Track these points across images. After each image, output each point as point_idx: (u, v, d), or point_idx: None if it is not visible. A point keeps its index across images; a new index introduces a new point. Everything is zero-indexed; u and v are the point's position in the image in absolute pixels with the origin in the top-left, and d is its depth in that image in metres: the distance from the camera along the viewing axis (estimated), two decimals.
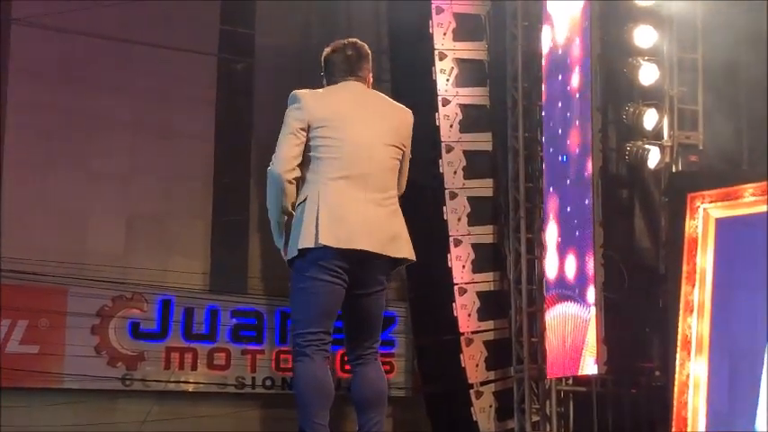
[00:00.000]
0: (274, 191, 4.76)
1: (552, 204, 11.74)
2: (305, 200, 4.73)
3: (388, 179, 4.88)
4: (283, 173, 4.74)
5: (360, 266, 4.74)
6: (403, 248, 4.86)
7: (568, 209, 11.40)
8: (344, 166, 4.76)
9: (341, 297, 4.77)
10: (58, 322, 14.50)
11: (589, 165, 10.90)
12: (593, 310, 10.65)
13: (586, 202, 10.96)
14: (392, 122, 4.95)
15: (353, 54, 5.03)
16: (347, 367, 4.86)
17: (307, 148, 4.78)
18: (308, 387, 4.71)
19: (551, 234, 11.69)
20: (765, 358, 9.81)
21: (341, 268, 4.70)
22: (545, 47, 12.16)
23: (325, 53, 5.09)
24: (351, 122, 4.83)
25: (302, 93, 4.88)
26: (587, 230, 10.87)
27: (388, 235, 4.81)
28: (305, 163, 4.78)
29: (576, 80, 11.33)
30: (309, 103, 4.81)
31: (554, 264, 11.56)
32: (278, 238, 4.90)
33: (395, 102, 5.10)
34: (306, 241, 4.67)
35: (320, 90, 4.97)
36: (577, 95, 11.28)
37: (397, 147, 4.92)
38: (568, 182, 11.39)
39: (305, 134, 4.77)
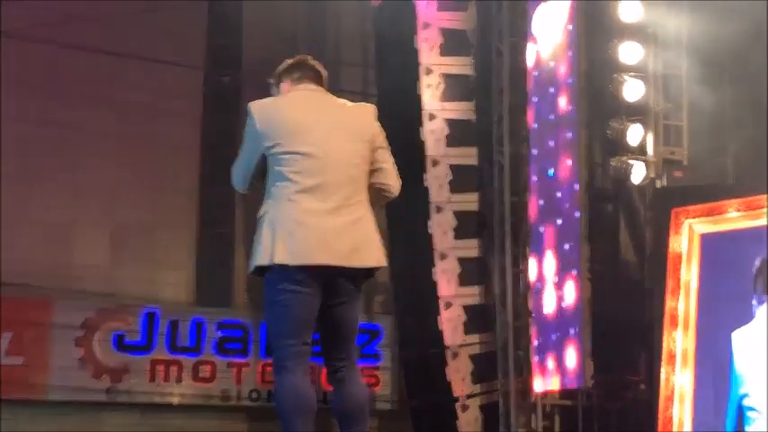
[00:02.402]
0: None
1: (549, 234, 11.69)
2: (262, 215, 4.72)
3: (353, 184, 4.76)
4: (239, 188, 4.95)
5: (326, 278, 4.68)
6: (369, 256, 4.76)
7: (558, 222, 11.46)
8: (302, 179, 4.68)
9: (315, 306, 4.69)
10: (43, 334, 14.44)
11: (575, 180, 10.95)
12: None
13: (566, 218, 11.02)
14: (351, 122, 4.87)
15: (304, 60, 5.09)
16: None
17: (266, 160, 4.77)
18: (289, 401, 4.65)
19: (550, 259, 11.63)
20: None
21: (305, 281, 4.64)
22: (531, 62, 12.22)
23: (283, 66, 5.11)
24: (310, 133, 4.75)
25: (256, 106, 4.85)
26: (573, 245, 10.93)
27: (350, 245, 4.69)
28: (266, 173, 4.79)
29: (561, 96, 11.39)
30: (262, 117, 4.80)
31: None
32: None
33: (351, 102, 5.03)
34: (261, 259, 4.65)
35: (271, 100, 4.96)
36: (563, 111, 11.34)
37: (362, 145, 4.82)
38: (559, 195, 11.43)
39: (263, 150, 4.77)
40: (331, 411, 4.88)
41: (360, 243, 4.73)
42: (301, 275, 4.63)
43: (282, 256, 4.59)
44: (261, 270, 4.72)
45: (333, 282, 4.70)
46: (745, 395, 9.91)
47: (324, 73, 5.07)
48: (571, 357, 10.89)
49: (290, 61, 5.11)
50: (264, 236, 4.67)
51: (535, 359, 11.75)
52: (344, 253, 4.67)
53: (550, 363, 11.37)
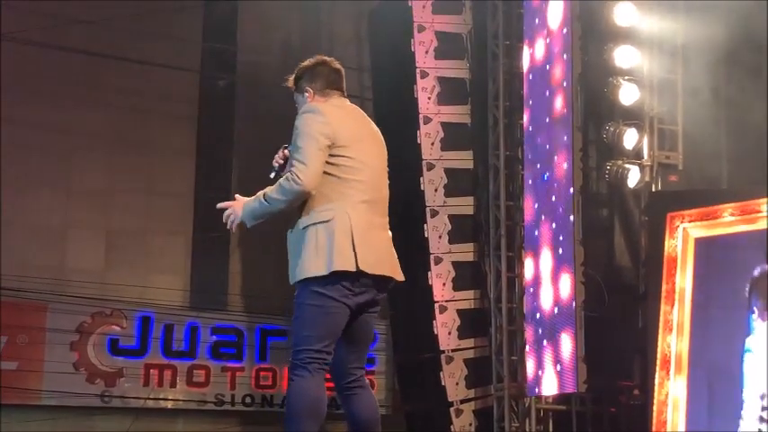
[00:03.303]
0: (293, 200, 4.67)
1: (545, 232, 11.67)
2: (329, 220, 4.68)
3: (387, 204, 4.94)
4: (312, 189, 4.67)
5: (375, 289, 4.80)
6: (401, 272, 4.93)
7: (553, 225, 11.44)
8: (366, 189, 4.76)
9: (347, 320, 4.78)
10: (38, 338, 14.43)
11: (570, 184, 10.94)
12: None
13: (561, 222, 11.00)
14: (382, 145, 4.98)
15: (340, 69, 5.04)
16: (328, 384, 4.84)
17: (324, 165, 4.71)
18: (304, 403, 4.69)
19: (546, 262, 11.61)
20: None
21: (360, 292, 4.73)
22: (526, 66, 12.21)
23: (307, 65, 5.05)
24: (362, 144, 4.83)
25: (322, 106, 4.82)
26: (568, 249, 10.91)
27: (395, 259, 4.91)
28: (321, 180, 4.71)
29: (556, 99, 11.37)
30: (333, 120, 4.76)
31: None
32: (253, 219, 4.81)
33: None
34: (344, 264, 4.64)
35: (327, 105, 4.87)
36: (558, 115, 11.32)
37: (384, 165, 4.98)
38: (554, 198, 11.41)
39: (328, 151, 4.71)
40: (347, 419, 4.90)
41: (397, 259, 4.94)
42: (359, 288, 4.71)
43: (364, 264, 4.65)
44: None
45: (376, 294, 4.82)
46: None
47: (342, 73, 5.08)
48: (565, 361, 10.87)
49: (311, 65, 5.06)
50: (340, 242, 4.65)
51: (529, 363, 11.72)
52: (394, 266, 4.88)
53: (544, 367, 11.34)
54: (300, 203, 4.71)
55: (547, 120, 11.58)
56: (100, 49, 14.96)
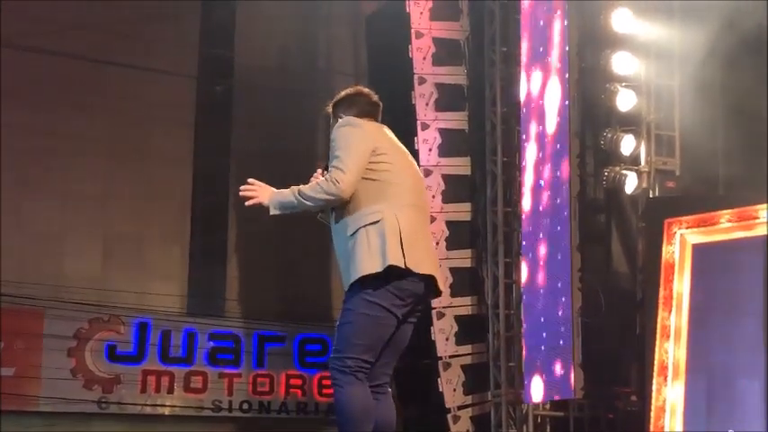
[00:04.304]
0: (328, 202, 4.78)
1: (541, 243, 11.67)
2: (378, 221, 4.74)
3: (429, 213, 5.13)
4: (348, 195, 4.75)
5: (418, 295, 4.85)
6: (442, 282, 4.99)
7: (550, 231, 11.44)
8: (410, 193, 4.87)
9: (393, 331, 4.86)
10: (35, 344, 14.41)
11: (567, 190, 10.94)
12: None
13: (558, 228, 11.01)
14: (414, 160, 5.12)
15: (377, 102, 5.18)
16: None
17: (366, 172, 4.81)
18: (363, 410, 4.73)
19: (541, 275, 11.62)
20: None
21: (410, 300, 4.80)
22: (523, 71, 12.21)
23: (346, 93, 5.18)
24: (400, 155, 4.97)
25: (357, 119, 4.95)
26: (565, 255, 10.91)
27: (438, 267, 4.98)
28: (363, 185, 4.79)
29: (552, 105, 11.38)
30: (371, 129, 4.91)
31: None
32: (281, 209, 4.89)
33: None
34: (394, 259, 4.68)
35: (363, 120, 4.99)
36: (555, 121, 11.33)
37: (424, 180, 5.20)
38: (551, 204, 11.42)
39: (368, 159, 4.80)
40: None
41: (439, 269, 5.01)
42: (407, 292, 4.76)
43: (411, 263, 4.71)
44: (360, 280, 4.76)
45: (420, 299, 4.89)
46: None
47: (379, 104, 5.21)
48: (562, 368, 10.86)
49: (350, 94, 5.19)
50: (391, 242, 4.71)
51: (526, 370, 11.72)
52: (439, 275, 4.93)
53: (542, 373, 11.34)
54: (343, 209, 4.81)
55: (544, 126, 11.59)
56: (97, 56, 14.97)
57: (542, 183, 11.56)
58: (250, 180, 5.01)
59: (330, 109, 5.20)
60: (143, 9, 14.59)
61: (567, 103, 11.10)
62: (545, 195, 11.51)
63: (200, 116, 16.06)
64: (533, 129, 11.86)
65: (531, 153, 11.89)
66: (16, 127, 14.52)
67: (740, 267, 10.33)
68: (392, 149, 4.93)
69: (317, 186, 4.77)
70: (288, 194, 4.87)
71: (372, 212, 4.75)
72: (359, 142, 4.81)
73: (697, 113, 11.38)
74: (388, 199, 4.79)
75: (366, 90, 5.22)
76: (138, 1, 14.97)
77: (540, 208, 11.61)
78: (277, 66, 15.85)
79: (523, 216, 12.02)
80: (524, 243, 11.97)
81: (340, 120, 5.01)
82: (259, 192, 4.96)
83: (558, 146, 11.21)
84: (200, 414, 15.19)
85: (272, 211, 4.91)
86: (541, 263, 11.48)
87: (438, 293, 4.94)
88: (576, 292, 10.70)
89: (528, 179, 11.90)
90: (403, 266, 4.69)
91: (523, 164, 12.08)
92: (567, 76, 11.12)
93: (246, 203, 4.98)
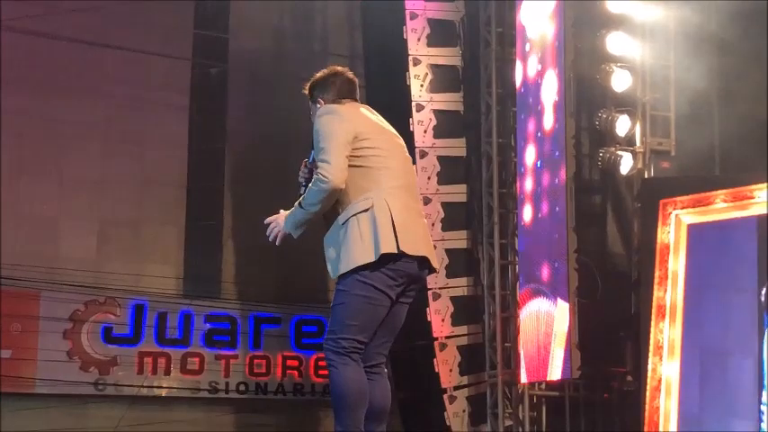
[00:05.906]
0: (325, 198, 4.73)
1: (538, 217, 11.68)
2: (369, 208, 4.73)
3: (418, 189, 5.01)
4: (340, 184, 4.71)
5: (412, 275, 4.82)
6: (436, 260, 4.97)
7: (539, 215, 11.46)
8: (397, 175, 4.84)
9: (387, 312, 4.84)
10: (31, 327, 14.42)
11: (562, 170, 10.95)
12: (561, 304, 10.70)
13: (557, 209, 11.02)
14: (399, 136, 5.05)
15: (353, 79, 5.12)
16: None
17: (350, 159, 4.77)
18: (358, 391, 4.72)
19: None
20: None
21: (401, 282, 4.77)
22: (518, 53, 12.21)
23: (320, 75, 5.11)
24: (383, 135, 4.92)
25: (336, 106, 4.91)
26: (561, 235, 10.92)
27: (432, 246, 4.94)
28: (351, 173, 4.76)
29: (548, 86, 11.38)
30: (350, 116, 4.85)
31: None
32: (296, 227, 4.88)
33: None
34: (388, 247, 4.67)
35: (341, 106, 4.95)
36: (550, 102, 11.33)
37: (410, 158, 5.07)
38: (546, 185, 11.43)
39: (351, 146, 4.77)
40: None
41: (432, 246, 4.96)
42: (401, 273, 4.74)
43: (405, 246, 4.69)
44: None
45: (415, 280, 4.87)
46: None
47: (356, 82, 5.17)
48: (559, 348, 10.90)
49: (324, 76, 5.12)
50: (382, 228, 4.70)
51: (522, 350, 11.76)
52: (431, 251, 4.89)
53: (538, 353, 11.38)
54: (335, 201, 4.78)
55: (539, 107, 11.60)
56: (91, 38, 14.93)
57: (539, 164, 11.57)
58: (266, 221, 5.00)
59: (307, 91, 5.15)
60: None
61: (562, 84, 11.09)
62: (540, 176, 11.52)
63: (194, 99, 16.02)
64: (530, 111, 11.86)
65: (528, 133, 11.90)
66: (11, 110, 14.50)
67: (735, 247, 10.36)
68: (374, 131, 4.88)
69: (312, 189, 4.75)
70: (295, 211, 4.88)
71: (362, 200, 4.75)
72: (339, 130, 4.76)
73: (692, 94, 11.38)
74: (377, 183, 4.77)
75: (340, 68, 5.16)
76: None
77: (536, 189, 11.63)
78: (272, 47, 15.81)
79: (519, 196, 12.03)
80: (519, 223, 11.98)
81: (319, 108, 4.97)
82: (279, 221, 4.96)
83: (555, 125, 11.22)
84: (196, 395, 15.21)
85: (295, 234, 4.91)
86: (537, 241, 11.50)
87: (432, 270, 4.93)
88: (572, 273, 10.72)
89: (529, 159, 11.88)
90: (396, 252, 4.69)
91: (521, 143, 12.08)
92: (562, 56, 11.12)
93: (277, 243, 4.97)
